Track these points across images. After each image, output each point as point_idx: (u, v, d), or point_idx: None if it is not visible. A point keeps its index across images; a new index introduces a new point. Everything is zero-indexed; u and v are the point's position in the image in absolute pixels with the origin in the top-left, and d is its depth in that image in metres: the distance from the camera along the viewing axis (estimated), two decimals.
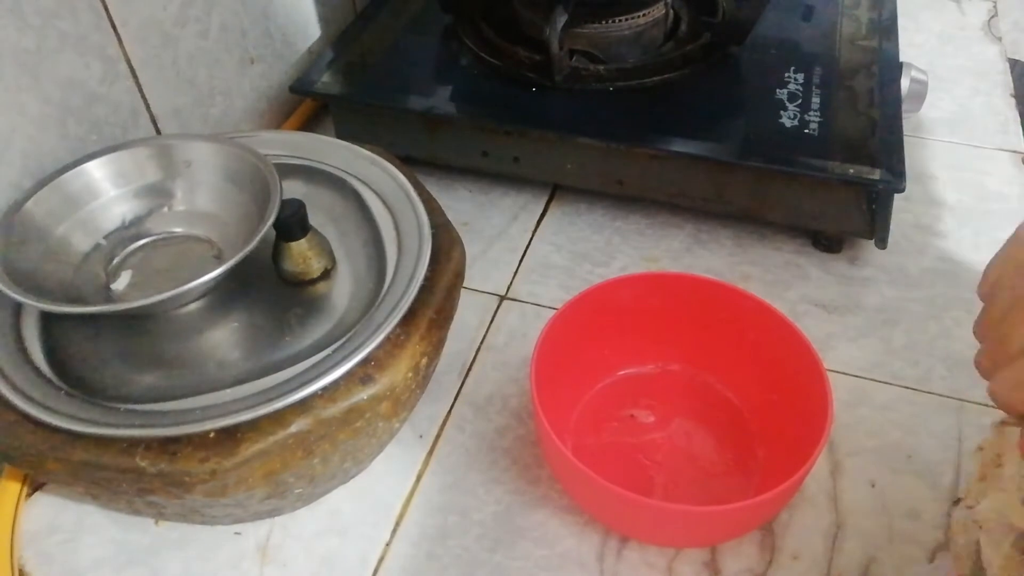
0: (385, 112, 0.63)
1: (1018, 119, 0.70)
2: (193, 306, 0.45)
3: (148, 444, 0.38)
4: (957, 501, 0.43)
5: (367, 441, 0.44)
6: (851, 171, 0.54)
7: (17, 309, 0.45)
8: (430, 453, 0.49)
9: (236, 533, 0.46)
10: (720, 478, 0.47)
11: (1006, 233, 0.60)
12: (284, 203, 0.44)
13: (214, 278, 0.41)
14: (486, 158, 0.62)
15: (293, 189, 0.50)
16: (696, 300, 0.48)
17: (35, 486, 0.48)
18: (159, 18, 0.55)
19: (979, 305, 0.56)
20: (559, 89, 0.61)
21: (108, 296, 0.45)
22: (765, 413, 0.47)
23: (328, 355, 0.42)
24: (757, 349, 0.47)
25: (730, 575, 0.43)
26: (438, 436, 0.50)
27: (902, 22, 0.68)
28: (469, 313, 0.56)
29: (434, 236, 0.47)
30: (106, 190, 0.47)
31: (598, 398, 0.50)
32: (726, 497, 0.45)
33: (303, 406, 0.39)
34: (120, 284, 0.45)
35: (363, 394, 0.40)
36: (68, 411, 0.40)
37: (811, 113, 0.59)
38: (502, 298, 0.58)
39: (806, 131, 0.57)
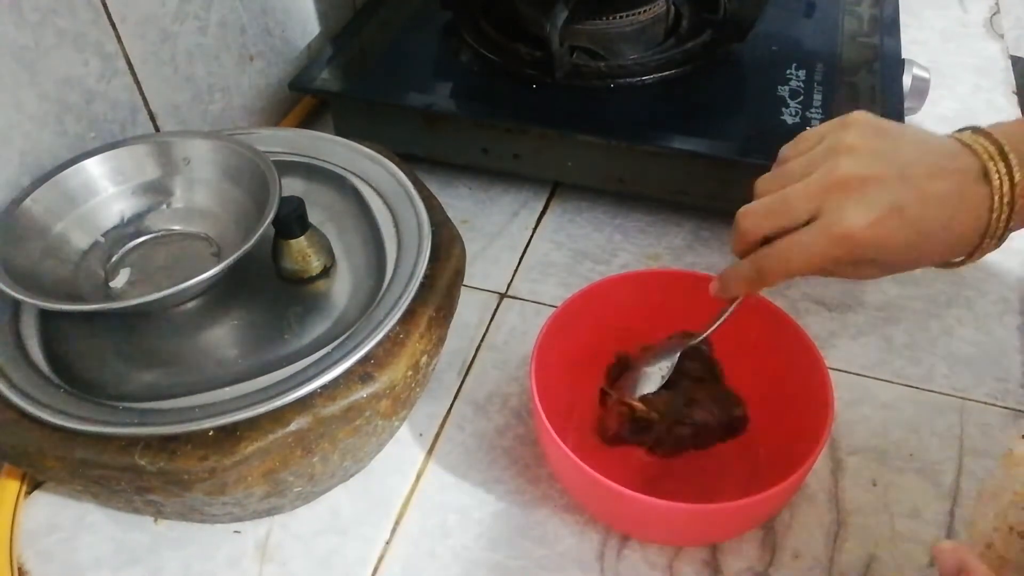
0: (385, 109, 0.62)
1: (1021, 116, 0.70)
2: (192, 304, 0.45)
3: (147, 442, 0.38)
4: None
5: (367, 440, 0.43)
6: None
7: (16, 307, 0.44)
8: (430, 452, 0.49)
9: (235, 532, 0.46)
10: (721, 476, 0.46)
11: None
12: (283, 200, 0.44)
13: (213, 276, 0.41)
14: (486, 155, 0.62)
15: (292, 186, 0.50)
16: (697, 297, 0.48)
17: (34, 484, 0.47)
18: (158, 15, 0.55)
19: (981, 304, 0.56)
20: (560, 86, 0.61)
21: (107, 294, 0.45)
22: (766, 410, 0.47)
23: (327, 353, 0.42)
24: (758, 346, 0.47)
25: (731, 574, 0.43)
26: (438, 435, 0.50)
27: (904, 19, 0.68)
28: (469, 311, 0.56)
29: (434, 234, 0.47)
30: (104, 187, 0.47)
31: (599, 396, 0.50)
32: (727, 495, 0.45)
33: (302, 404, 0.39)
34: (119, 282, 0.45)
35: (363, 392, 0.40)
36: (67, 409, 0.40)
37: (813, 110, 0.58)
38: (502, 296, 0.58)
39: (808, 128, 0.57)
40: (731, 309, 0.43)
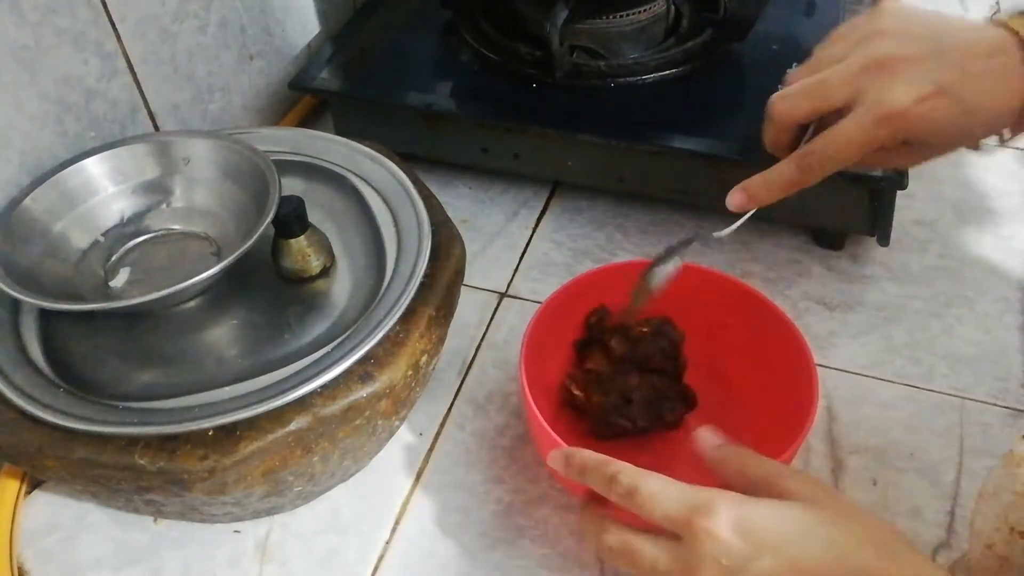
0: (385, 108, 0.62)
1: None
2: (192, 303, 0.45)
3: (147, 442, 0.38)
4: None
5: (367, 439, 0.43)
6: (853, 168, 0.53)
7: (16, 306, 0.44)
8: (430, 451, 0.49)
9: (235, 531, 0.46)
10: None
11: (1008, 229, 0.61)
12: (283, 200, 0.44)
13: (212, 275, 0.41)
14: (486, 155, 0.62)
15: (292, 186, 0.50)
16: (686, 287, 0.47)
17: (34, 484, 0.47)
18: (157, 14, 0.55)
19: (981, 304, 0.56)
20: (560, 85, 0.61)
21: (106, 293, 0.45)
22: (757, 400, 0.47)
23: (327, 353, 0.42)
24: (746, 336, 0.47)
25: None
26: (438, 434, 0.50)
27: None
28: (469, 311, 0.56)
29: (434, 233, 0.47)
30: (104, 187, 0.47)
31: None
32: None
33: (302, 404, 0.39)
34: (118, 281, 0.45)
35: (362, 392, 0.40)
36: (67, 409, 0.40)
37: None
38: (502, 295, 0.58)
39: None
40: (748, 215, 0.42)
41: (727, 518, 0.31)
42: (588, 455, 0.37)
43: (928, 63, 0.37)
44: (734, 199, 0.42)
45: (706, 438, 0.38)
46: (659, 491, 0.33)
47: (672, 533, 0.33)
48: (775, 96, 0.40)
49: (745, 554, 0.31)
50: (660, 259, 0.44)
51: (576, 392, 0.47)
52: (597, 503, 0.37)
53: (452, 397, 0.52)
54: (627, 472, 0.35)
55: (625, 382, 0.47)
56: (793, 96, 0.39)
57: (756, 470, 0.35)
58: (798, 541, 0.32)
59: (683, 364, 0.48)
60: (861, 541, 0.32)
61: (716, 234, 0.43)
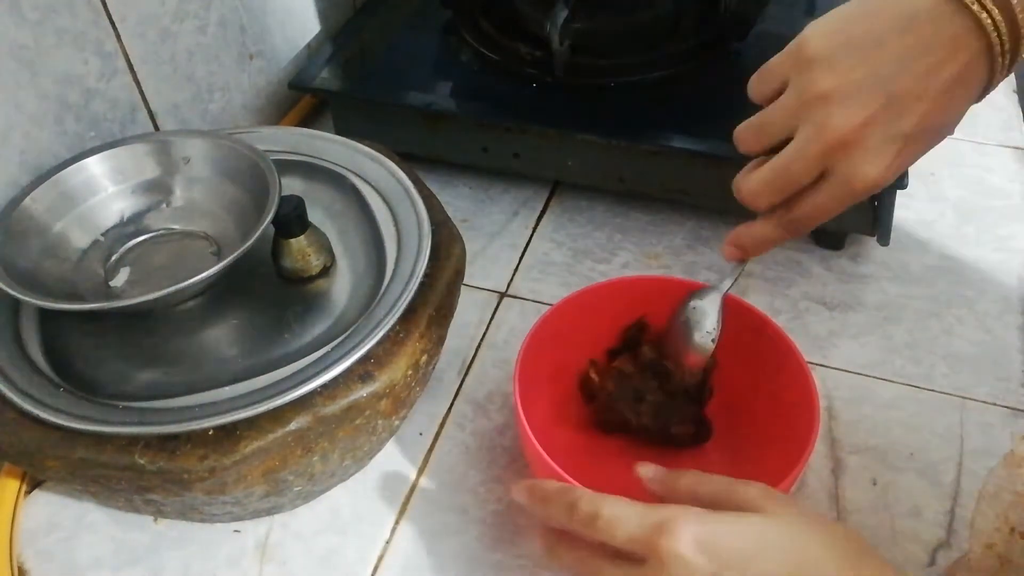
0: (384, 108, 0.62)
1: (1020, 115, 0.70)
2: (192, 303, 0.45)
3: (147, 442, 0.38)
4: None
5: (367, 439, 0.43)
6: None
7: (15, 306, 0.44)
8: (430, 451, 0.49)
9: (235, 531, 0.46)
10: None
11: (1008, 229, 0.61)
12: (283, 200, 0.43)
13: (212, 275, 0.41)
14: (486, 154, 0.62)
15: (292, 186, 0.50)
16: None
17: (34, 483, 0.47)
18: (157, 14, 0.55)
19: (981, 304, 0.56)
20: (560, 85, 0.61)
21: (106, 293, 0.45)
22: (756, 414, 0.47)
23: (327, 352, 0.41)
24: (746, 352, 0.46)
25: None
26: (438, 434, 0.50)
27: None
28: (469, 310, 0.56)
29: (434, 233, 0.47)
30: (104, 186, 0.47)
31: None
32: None
33: (302, 404, 0.39)
34: (118, 281, 0.45)
35: (363, 391, 0.40)
36: (67, 408, 0.40)
37: None
38: (502, 295, 0.58)
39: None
40: (746, 265, 0.43)
41: (689, 536, 0.31)
42: (549, 485, 0.37)
43: (884, 115, 0.35)
44: (729, 253, 0.43)
45: (644, 472, 0.38)
46: (620, 514, 0.33)
47: (636, 555, 0.33)
48: (745, 190, 0.39)
49: (709, 572, 0.31)
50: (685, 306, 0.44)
51: (593, 376, 0.48)
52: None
53: (452, 397, 0.52)
54: (586, 498, 0.35)
55: (644, 383, 0.47)
56: (765, 191, 0.39)
57: (707, 488, 0.35)
58: (761, 554, 0.32)
59: (708, 393, 0.48)
60: (824, 549, 0.32)
61: (725, 290, 0.44)
